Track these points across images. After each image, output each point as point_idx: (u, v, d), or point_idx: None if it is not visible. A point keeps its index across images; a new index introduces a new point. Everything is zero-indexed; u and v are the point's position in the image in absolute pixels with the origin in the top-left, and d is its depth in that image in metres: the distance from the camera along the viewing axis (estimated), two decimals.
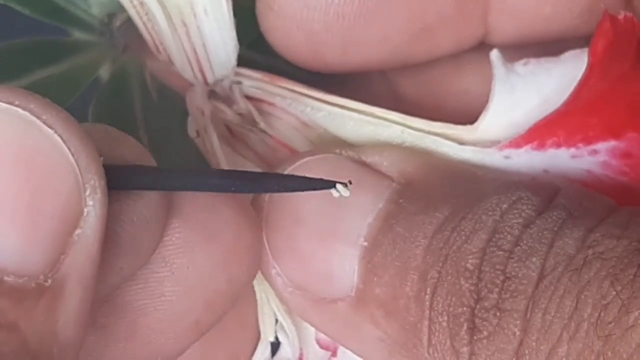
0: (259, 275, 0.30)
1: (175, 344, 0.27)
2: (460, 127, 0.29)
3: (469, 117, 0.31)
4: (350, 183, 0.27)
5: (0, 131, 0.21)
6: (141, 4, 0.30)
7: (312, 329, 0.31)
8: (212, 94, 0.31)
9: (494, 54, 0.29)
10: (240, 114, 0.30)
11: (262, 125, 0.30)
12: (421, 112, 0.31)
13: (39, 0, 0.36)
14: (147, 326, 0.26)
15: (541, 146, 0.27)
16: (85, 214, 0.22)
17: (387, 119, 0.30)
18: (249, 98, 0.31)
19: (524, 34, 0.32)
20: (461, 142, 0.29)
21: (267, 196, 0.28)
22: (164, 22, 0.30)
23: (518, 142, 0.27)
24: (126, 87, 0.35)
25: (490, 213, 0.25)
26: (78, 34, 0.38)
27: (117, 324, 0.26)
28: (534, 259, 0.24)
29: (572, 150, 0.27)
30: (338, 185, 0.27)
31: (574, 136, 0.27)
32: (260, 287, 0.31)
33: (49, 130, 0.21)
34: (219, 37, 0.30)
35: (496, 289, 0.24)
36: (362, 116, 0.30)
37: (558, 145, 0.27)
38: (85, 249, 0.22)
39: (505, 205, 0.25)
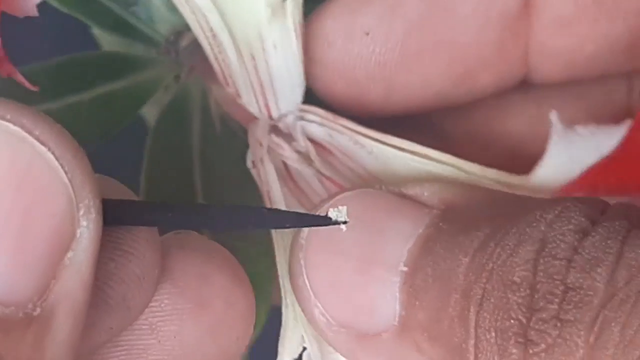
0: (289, 296, 0.30)
1: None
2: (514, 176, 0.29)
3: (514, 158, 0.31)
4: (346, 222, 0.27)
5: None
6: (213, 35, 0.30)
7: None
8: (274, 129, 0.31)
9: (553, 115, 0.29)
10: (298, 152, 0.31)
11: (318, 164, 0.30)
12: (466, 152, 0.31)
13: (105, 14, 0.37)
14: None
15: (593, 193, 0.27)
16: (78, 236, 0.21)
17: (442, 161, 0.30)
18: (309, 140, 0.31)
19: (566, 72, 0.33)
20: (512, 190, 0.29)
21: (305, 234, 0.27)
22: (233, 55, 0.31)
23: (569, 189, 0.28)
24: (187, 109, 0.36)
25: (534, 225, 0.24)
26: (142, 50, 0.38)
27: None
28: (599, 270, 0.23)
29: (625, 198, 0.27)
30: (332, 213, 0.27)
31: (627, 183, 0.27)
32: (289, 309, 0.31)
33: (42, 147, 0.21)
34: (286, 73, 0.31)
35: (556, 300, 0.23)
36: (415, 157, 0.30)
37: (610, 193, 0.27)
38: (77, 274, 0.21)
39: (550, 216, 0.24)
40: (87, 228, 0.21)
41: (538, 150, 0.30)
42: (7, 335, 0.20)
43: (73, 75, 0.36)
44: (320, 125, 0.31)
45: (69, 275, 0.21)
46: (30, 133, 0.21)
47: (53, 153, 0.21)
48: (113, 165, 0.26)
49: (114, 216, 0.23)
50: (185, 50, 0.37)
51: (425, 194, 0.27)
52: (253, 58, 0.31)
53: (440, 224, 0.26)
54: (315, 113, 0.31)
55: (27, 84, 0.31)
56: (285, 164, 0.31)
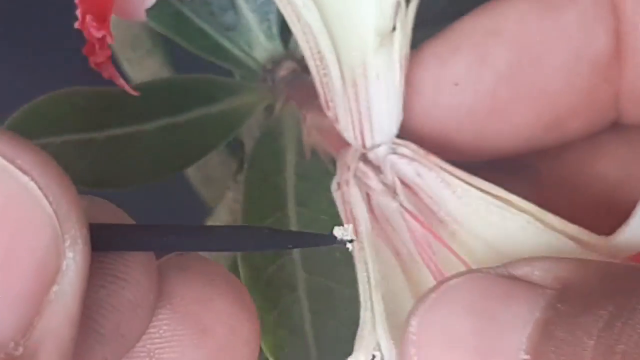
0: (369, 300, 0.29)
1: None
2: (595, 236, 0.29)
3: (608, 202, 0.32)
4: (352, 242, 0.27)
5: None
6: (320, 57, 0.31)
7: None
8: (363, 157, 0.31)
9: None
10: (384, 184, 0.31)
11: (402, 199, 0.30)
12: (558, 193, 0.32)
13: (202, 37, 0.38)
14: None
15: None
16: (64, 268, 0.21)
17: (522, 208, 0.30)
18: (404, 182, 0.31)
19: None
20: (589, 249, 0.29)
21: (414, 327, 0.25)
22: (337, 79, 0.31)
23: None
24: (282, 139, 0.36)
25: None
26: (238, 76, 0.39)
27: None
28: None
29: None
30: (337, 232, 0.26)
31: None
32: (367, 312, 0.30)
33: (24, 177, 0.20)
34: (385, 104, 0.31)
35: None
36: (496, 201, 0.30)
37: None
38: (63, 309, 0.21)
39: None
40: (74, 260, 0.21)
41: (631, 193, 0.30)
42: None
43: (168, 97, 0.36)
44: (410, 161, 0.31)
45: (54, 311, 0.21)
46: (11, 162, 0.20)
47: (36, 182, 0.20)
48: None
49: (105, 241, 0.22)
50: (282, 80, 0.37)
51: (536, 272, 0.26)
52: (355, 84, 0.31)
53: (558, 305, 0.25)
54: (408, 147, 0.31)
55: (127, 88, 0.32)
56: (368, 196, 0.31)
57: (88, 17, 0.30)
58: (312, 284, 0.34)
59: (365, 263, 0.30)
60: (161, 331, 0.25)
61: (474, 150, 0.33)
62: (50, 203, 0.20)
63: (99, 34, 0.30)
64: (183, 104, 0.36)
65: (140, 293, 0.24)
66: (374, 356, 0.29)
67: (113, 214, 0.25)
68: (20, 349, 0.20)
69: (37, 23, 0.34)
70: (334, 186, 0.31)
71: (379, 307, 0.30)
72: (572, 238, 0.29)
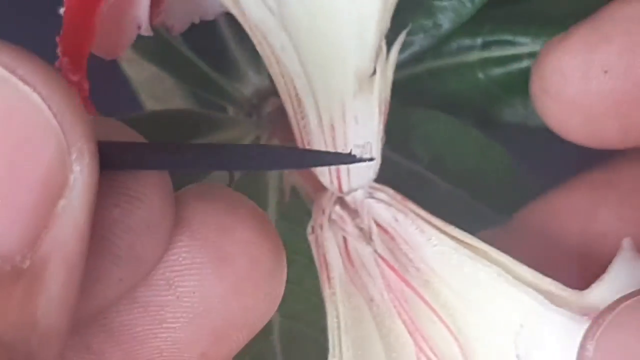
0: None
1: None
2: (569, 290, 0.29)
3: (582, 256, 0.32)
4: (372, 159, 0.28)
5: None
6: (298, 100, 0.31)
7: None
8: (340, 201, 0.31)
9: (627, 242, 0.29)
10: (360, 228, 0.31)
11: (377, 245, 0.30)
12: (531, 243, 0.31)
13: (191, 69, 0.38)
14: (146, 356, 0.25)
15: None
16: (71, 182, 0.20)
17: (494, 259, 0.30)
18: (380, 226, 0.31)
19: None
20: (562, 304, 0.29)
21: (590, 352, 0.25)
22: (314, 122, 0.31)
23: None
24: (262, 186, 0.36)
25: None
26: (231, 109, 0.39)
27: (113, 352, 0.25)
28: None
29: None
30: (356, 150, 0.26)
31: None
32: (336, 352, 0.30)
33: (26, 87, 0.20)
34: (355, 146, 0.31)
35: None
36: (468, 252, 0.30)
37: None
38: (71, 222, 0.20)
39: None
40: (81, 173, 0.20)
41: (607, 248, 0.30)
42: None
43: (153, 131, 0.36)
44: (388, 206, 0.31)
45: (62, 224, 0.20)
46: (12, 72, 0.20)
47: (39, 93, 0.20)
48: None
49: (116, 160, 0.22)
50: (268, 116, 0.37)
51: None
52: (333, 128, 0.31)
53: None
54: (386, 192, 0.31)
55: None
56: (345, 240, 0.31)
57: (65, 60, 0.30)
58: (286, 327, 0.34)
59: (336, 308, 0.30)
60: (180, 259, 0.25)
61: (622, 139, 0.33)
62: (54, 114, 0.20)
63: (75, 78, 0.30)
64: (164, 138, 0.36)
65: (155, 213, 0.24)
66: None
67: (123, 133, 0.25)
68: (27, 262, 0.20)
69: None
70: (308, 229, 0.31)
71: (347, 353, 0.30)
72: (544, 292, 0.29)
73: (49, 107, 0.20)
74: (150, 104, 0.44)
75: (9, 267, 0.20)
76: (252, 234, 0.25)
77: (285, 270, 0.26)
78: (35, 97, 0.20)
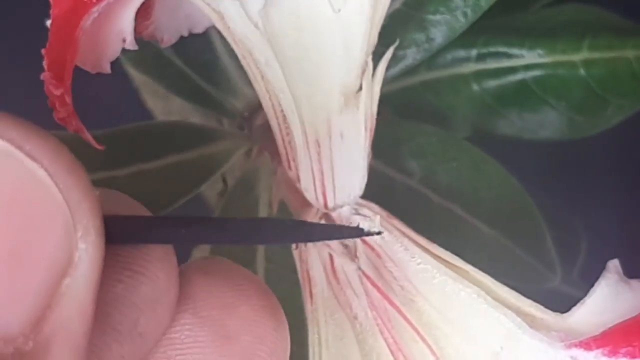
0: None
1: None
2: (550, 313, 0.29)
3: None
4: (380, 233, 0.28)
5: None
6: (283, 116, 0.31)
7: None
8: (325, 216, 0.32)
9: (613, 264, 0.29)
10: (345, 246, 0.30)
11: (362, 262, 0.30)
12: None
13: (184, 81, 0.38)
14: None
15: (613, 353, 0.27)
16: (76, 260, 0.20)
17: (475, 279, 0.30)
18: (366, 244, 0.31)
19: None
20: (542, 327, 0.29)
21: None
22: (299, 138, 0.31)
23: (589, 343, 0.27)
24: (255, 189, 0.37)
25: None
26: (225, 120, 0.40)
27: None
28: None
29: None
30: (364, 224, 0.28)
31: None
32: None
33: (33, 163, 0.20)
34: (349, 165, 0.31)
35: None
36: (450, 271, 0.30)
37: (632, 356, 0.26)
38: (75, 303, 0.20)
39: None
40: (86, 251, 0.20)
41: None
42: None
43: (145, 142, 0.37)
44: (372, 222, 0.30)
45: (66, 305, 0.20)
46: (19, 148, 0.20)
47: (46, 170, 0.20)
48: None
49: (121, 234, 0.22)
50: (259, 129, 0.38)
51: None
52: (318, 145, 0.31)
53: None
54: (371, 209, 0.31)
55: (93, 142, 0.32)
56: (331, 257, 0.31)
57: (48, 75, 0.30)
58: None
59: (317, 324, 0.31)
60: (182, 336, 0.25)
61: None
62: (61, 191, 0.20)
63: (57, 92, 0.30)
64: (158, 150, 0.37)
65: (159, 289, 0.24)
66: None
67: (128, 206, 0.25)
68: (30, 344, 0.20)
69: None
70: (293, 245, 0.32)
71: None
72: (524, 314, 0.29)
73: (56, 184, 0.20)
74: (151, 102, 0.45)
75: (11, 349, 0.20)
76: (256, 312, 0.26)
77: (289, 347, 0.26)
78: (42, 173, 0.20)
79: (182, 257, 0.26)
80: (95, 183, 0.35)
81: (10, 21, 0.34)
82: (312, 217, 0.32)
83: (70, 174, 0.20)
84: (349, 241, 0.31)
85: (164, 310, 0.24)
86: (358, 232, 0.29)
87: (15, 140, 0.20)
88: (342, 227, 0.30)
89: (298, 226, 0.29)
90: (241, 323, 0.25)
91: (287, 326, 0.26)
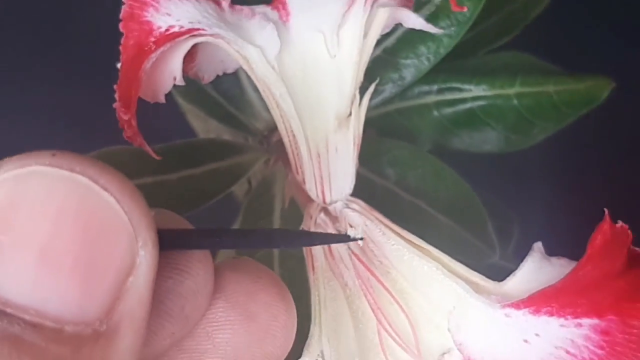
0: (317, 317, 0.29)
1: None
2: (491, 282, 0.29)
3: None
4: (362, 239, 0.28)
5: (62, 196, 0.20)
6: (293, 136, 0.31)
7: None
8: (324, 210, 0.31)
9: (537, 245, 0.29)
10: (339, 231, 0.30)
11: (352, 245, 0.30)
12: None
13: (217, 108, 0.38)
14: None
15: (536, 312, 0.27)
16: (137, 263, 0.20)
17: (433, 257, 0.30)
18: (349, 225, 0.31)
19: None
20: (485, 292, 0.29)
21: None
22: (305, 152, 0.31)
23: (518, 304, 0.27)
24: (270, 197, 0.36)
25: None
26: (250, 137, 0.39)
27: None
28: None
29: (561, 320, 0.26)
30: (350, 232, 0.28)
31: (564, 309, 0.26)
32: (316, 327, 0.30)
33: (105, 192, 0.20)
34: (342, 172, 0.31)
35: None
36: (416, 250, 0.30)
37: (550, 314, 0.26)
38: (137, 295, 0.21)
39: None
40: (145, 257, 0.21)
41: None
42: (80, 350, 0.20)
43: (190, 154, 0.36)
44: (360, 215, 0.31)
45: (130, 297, 0.20)
46: (95, 182, 0.20)
47: (115, 197, 0.20)
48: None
49: (170, 242, 0.22)
50: (275, 144, 0.37)
51: None
52: (319, 156, 0.31)
53: None
54: (358, 204, 0.31)
55: (152, 154, 0.32)
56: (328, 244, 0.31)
57: (119, 104, 0.30)
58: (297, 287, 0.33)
59: (318, 290, 0.30)
60: (216, 317, 0.25)
61: None
62: (126, 213, 0.20)
63: (126, 117, 0.30)
64: (198, 159, 0.36)
65: (199, 282, 0.24)
66: (318, 358, 0.30)
67: (176, 221, 0.25)
68: (104, 326, 0.20)
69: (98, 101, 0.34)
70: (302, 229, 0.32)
71: (325, 324, 0.30)
72: (471, 282, 0.29)
73: (122, 208, 0.20)
74: (194, 124, 0.44)
75: (90, 330, 0.20)
76: (271, 298, 0.26)
77: (296, 324, 0.26)
78: (112, 200, 0.20)
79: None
80: (153, 184, 0.36)
81: (93, 65, 0.34)
82: (313, 210, 0.32)
83: (132, 200, 0.20)
84: (341, 228, 0.31)
85: (203, 298, 0.24)
86: (346, 239, 0.29)
87: (93, 177, 0.20)
88: (334, 235, 0.30)
89: (301, 235, 0.30)
90: (260, 306, 0.25)
91: (294, 308, 0.26)
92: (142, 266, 0.21)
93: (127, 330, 0.20)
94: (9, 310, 0.19)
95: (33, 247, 0.19)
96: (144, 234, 0.21)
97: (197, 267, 0.24)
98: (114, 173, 0.20)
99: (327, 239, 0.30)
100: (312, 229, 0.31)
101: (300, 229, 0.32)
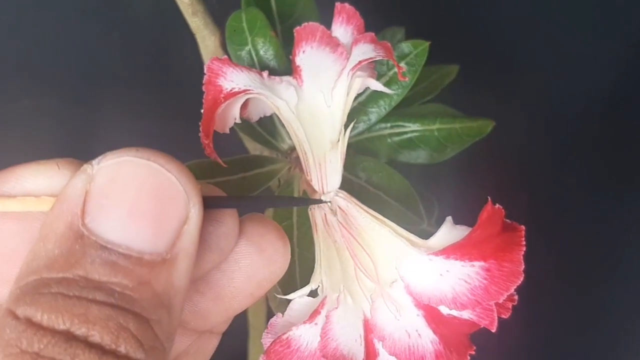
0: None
1: (239, 305, 0.25)
2: (422, 240, 0.29)
3: None
4: (330, 202, 0.27)
5: (142, 174, 0.19)
6: (304, 153, 0.31)
7: None
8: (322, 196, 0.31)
9: (448, 218, 0.28)
10: (332, 210, 0.30)
11: (339, 217, 0.30)
12: None
13: (258, 134, 0.37)
14: (225, 294, 0.24)
15: (447, 257, 0.27)
16: (190, 217, 0.20)
17: (385, 223, 0.29)
18: (338, 206, 0.30)
19: None
20: (418, 246, 0.28)
21: None
22: (312, 162, 0.31)
23: (437, 253, 0.27)
24: (291, 190, 0.36)
25: None
26: (273, 154, 0.39)
27: (209, 291, 0.24)
28: None
29: (462, 262, 0.26)
30: (324, 198, 0.27)
31: (464, 256, 0.26)
32: (318, 263, 0.29)
33: (168, 173, 0.20)
34: (334, 174, 0.31)
35: None
36: (377, 220, 0.29)
37: (455, 259, 0.26)
38: (189, 236, 0.20)
39: None
40: (194, 213, 0.20)
41: None
42: (153, 269, 0.19)
43: (241, 164, 0.36)
44: (344, 200, 0.31)
45: (185, 237, 0.20)
46: (162, 166, 0.20)
47: (174, 175, 0.20)
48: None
49: (211, 204, 0.22)
50: (294, 158, 0.37)
51: None
52: (320, 165, 0.31)
53: None
54: (343, 194, 0.31)
55: (221, 163, 0.32)
56: (324, 216, 0.31)
57: (202, 134, 0.30)
58: (301, 253, 0.34)
59: (319, 244, 0.31)
60: (240, 249, 0.24)
61: None
62: (182, 185, 0.20)
63: (206, 141, 0.30)
64: (246, 167, 0.36)
65: (229, 228, 0.23)
66: (319, 286, 0.30)
67: (216, 191, 0.24)
68: (169, 255, 0.19)
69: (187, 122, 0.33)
70: (309, 209, 0.31)
71: (323, 264, 0.30)
72: (409, 240, 0.29)
73: (180, 183, 0.20)
74: (247, 144, 0.43)
75: (160, 258, 0.19)
76: (274, 237, 0.25)
77: (289, 253, 0.25)
78: (173, 177, 0.20)
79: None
80: (222, 182, 0.35)
81: (189, 110, 0.34)
82: (317, 196, 0.31)
83: (186, 177, 0.20)
84: (333, 207, 0.31)
85: (231, 238, 0.23)
86: (319, 202, 0.29)
87: (161, 163, 0.20)
88: (313, 199, 0.29)
89: (292, 199, 0.31)
90: (267, 242, 0.24)
91: (289, 244, 0.25)
92: (192, 218, 0.20)
93: (183, 258, 0.20)
94: (109, 246, 0.18)
95: (125, 206, 0.19)
96: (194, 199, 0.20)
97: (228, 219, 0.23)
98: (174, 161, 0.20)
99: (308, 201, 0.29)
100: (315, 208, 0.31)
101: (309, 208, 0.31)
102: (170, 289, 0.19)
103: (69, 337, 0.17)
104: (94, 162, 0.19)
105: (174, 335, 0.19)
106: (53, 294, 0.17)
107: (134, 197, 0.19)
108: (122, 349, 0.17)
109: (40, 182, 0.20)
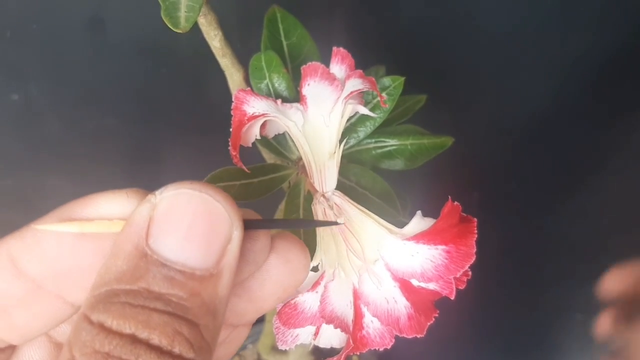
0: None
1: (269, 306, 0.23)
2: (397, 228, 0.28)
3: None
4: (342, 223, 0.25)
5: (196, 203, 0.18)
6: (308, 161, 0.31)
7: None
8: (322, 195, 0.31)
9: (418, 212, 0.28)
10: (330, 206, 0.30)
11: (335, 211, 0.30)
12: None
13: (274, 147, 0.36)
14: (257, 297, 0.23)
15: (417, 242, 0.26)
16: (233, 238, 0.19)
17: (366, 212, 0.29)
18: (335, 203, 0.30)
19: None
20: (394, 233, 0.28)
21: None
22: (315, 168, 0.31)
23: (410, 239, 0.27)
24: (299, 190, 0.35)
25: None
26: (284, 162, 0.38)
27: (244, 295, 0.23)
28: None
29: (429, 246, 0.26)
30: (339, 220, 0.26)
31: (430, 241, 0.26)
32: (319, 245, 0.28)
33: (217, 202, 0.18)
34: (331, 178, 0.31)
35: None
36: (364, 213, 0.29)
37: (424, 243, 0.26)
38: (232, 254, 0.19)
39: None
40: (236, 234, 0.19)
41: None
42: (202, 283, 0.18)
43: (260, 170, 0.35)
44: (340, 197, 0.30)
45: (229, 255, 0.19)
46: (212, 197, 0.18)
47: (222, 204, 0.19)
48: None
49: (249, 226, 0.21)
50: (301, 166, 0.37)
51: None
52: (321, 171, 0.31)
53: None
54: (338, 193, 0.31)
55: (245, 170, 0.32)
56: (324, 209, 0.30)
57: (231, 148, 0.30)
58: (306, 239, 0.33)
59: (320, 231, 0.30)
60: (271, 262, 0.22)
61: None
62: (227, 212, 0.19)
63: (234, 153, 0.30)
64: (262, 173, 0.35)
65: (262, 245, 0.21)
66: (319, 263, 0.29)
67: (253, 215, 0.23)
68: (215, 271, 0.18)
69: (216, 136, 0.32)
70: (312, 205, 0.31)
71: (322, 247, 0.30)
72: (389, 228, 0.28)
73: (226, 210, 0.19)
74: (265, 155, 0.41)
75: (208, 273, 0.18)
76: (299, 252, 0.23)
77: (310, 264, 0.23)
78: (220, 206, 0.18)
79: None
80: (244, 184, 0.35)
81: (223, 130, 0.34)
82: (318, 195, 0.31)
83: (231, 206, 0.19)
84: (330, 204, 0.30)
85: (264, 253, 0.22)
86: (334, 224, 0.27)
87: (211, 194, 0.18)
88: (329, 221, 0.27)
89: (311, 222, 0.29)
90: (293, 255, 0.23)
91: (309, 257, 0.23)
92: (235, 239, 0.19)
93: (227, 272, 0.19)
94: (168, 263, 0.17)
95: (182, 230, 0.18)
96: (236, 222, 0.19)
97: (262, 237, 0.22)
98: (222, 192, 0.19)
99: (325, 223, 0.28)
100: (317, 204, 0.31)
101: (312, 204, 0.31)
102: (215, 299, 0.18)
103: (133, 339, 0.16)
104: (157, 192, 0.18)
105: (218, 335, 0.18)
106: (122, 303, 0.17)
107: (189, 222, 0.18)
108: (176, 350, 0.16)
109: (112, 208, 0.19)
